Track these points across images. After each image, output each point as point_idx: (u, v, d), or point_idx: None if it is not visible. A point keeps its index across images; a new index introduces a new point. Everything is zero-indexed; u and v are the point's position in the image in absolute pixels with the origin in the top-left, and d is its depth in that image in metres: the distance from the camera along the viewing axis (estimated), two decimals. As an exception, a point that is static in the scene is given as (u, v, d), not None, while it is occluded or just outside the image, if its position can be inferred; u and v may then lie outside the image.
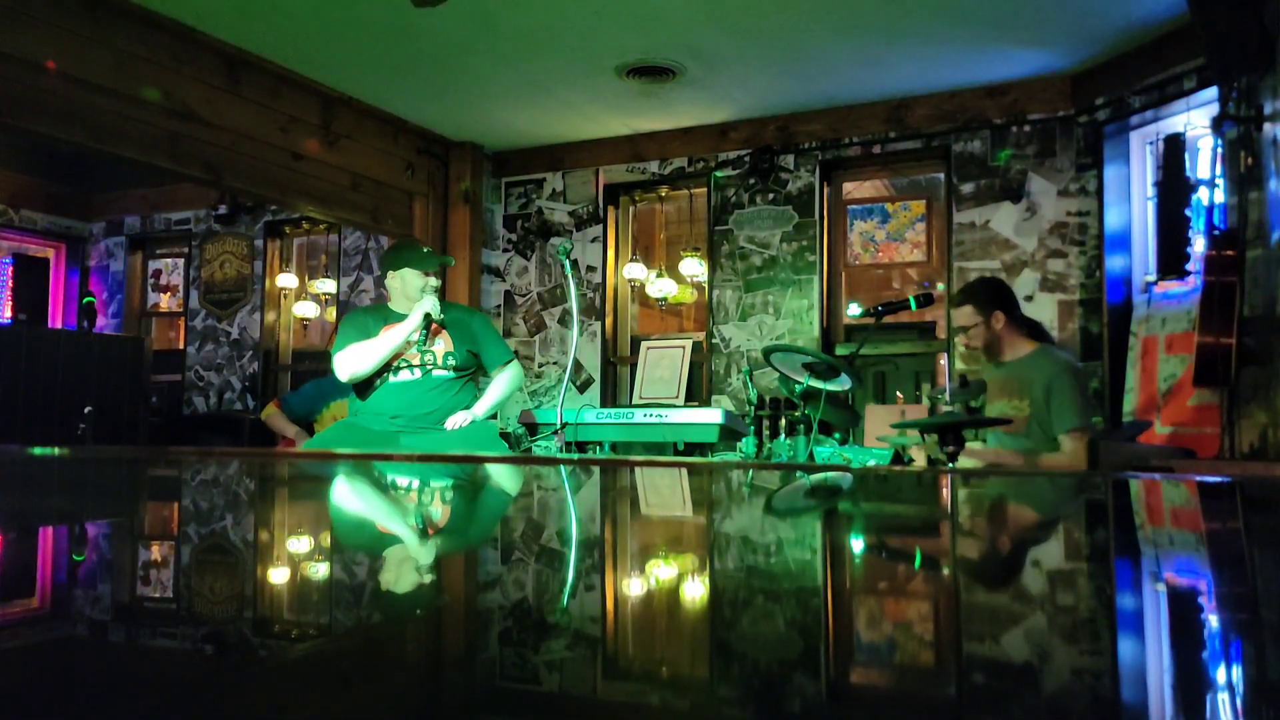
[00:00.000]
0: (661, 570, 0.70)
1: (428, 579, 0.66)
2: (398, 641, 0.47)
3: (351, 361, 3.61)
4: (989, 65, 5.12)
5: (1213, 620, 0.55)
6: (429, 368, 3.64)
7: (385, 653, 0.45)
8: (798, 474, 2.09)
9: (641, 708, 0.37)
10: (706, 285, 6.16)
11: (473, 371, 3.76)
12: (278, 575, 0.68)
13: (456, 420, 3.61)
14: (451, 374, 3.66)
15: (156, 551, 0.79)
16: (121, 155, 4.74)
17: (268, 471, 1.75)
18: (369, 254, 7.18)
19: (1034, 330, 3.57)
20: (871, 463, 3.47)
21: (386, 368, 3.65)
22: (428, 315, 3.59)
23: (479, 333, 3.78)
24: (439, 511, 1.18)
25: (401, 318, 3.67)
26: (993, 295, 3.53)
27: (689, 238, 6.44)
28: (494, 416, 3.89)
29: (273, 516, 1.12)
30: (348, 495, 1.37)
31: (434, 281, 3.71)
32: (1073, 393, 3.31)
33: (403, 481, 1.52)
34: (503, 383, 3.77)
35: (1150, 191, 4.91)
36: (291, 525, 1.03)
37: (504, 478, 1.62)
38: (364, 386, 3.70)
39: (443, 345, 3.68)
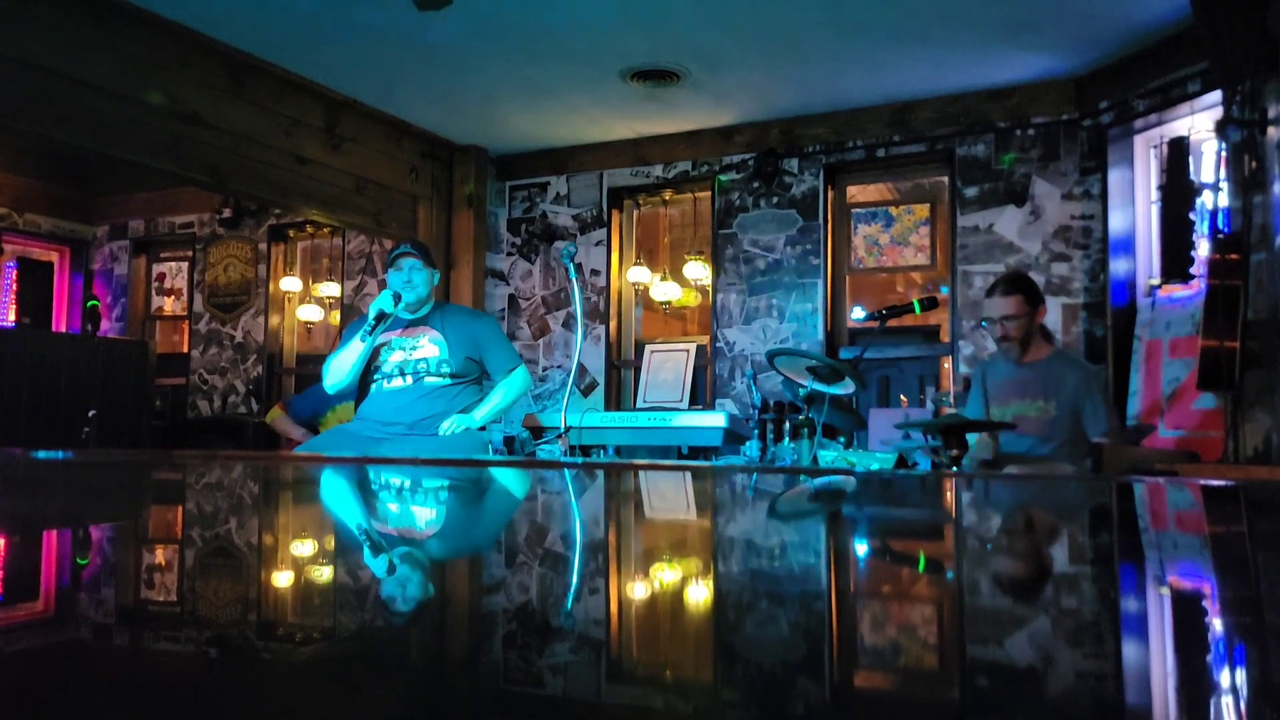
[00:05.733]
0: (666, 574, 0.70)
1: (404, 584, 0.66)
2: (393, 645, 0.47)
3: (329, 373, 3.63)
4: (993, 69, 5.12)
5: (1217, 624, 0.54)
6: (421, 375, 3.54)
7: (385, 657, 0.45)
8: (801, 478, 2.09)
9: (647, 712, 0.37)
10: (710, 289, 6.16)
11: (475, 377, 3.64)
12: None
13: (450, 424, 3.47)
14: (446, 380, 3.54)
15: (159, 555, 0.79)
16: (125, 159, 4.75)
17: (264, 475, 1.75)
18: (373, 257, 7.19)
19: (1045, 332, 3.67)
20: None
21: (379, 374, 3.58)
22: (382, 311, 3.48)
23: (483, 338, 3.65)
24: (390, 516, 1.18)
25: (400, 320, 3.64)
26: (1035, 290, 3.63)
27: (693, 241, 6.44)
28: (495, 422, 3.83)
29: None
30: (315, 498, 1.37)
31: (404, 275, 3.53)
32: (1106, 396, 3.44)
33: (367, 485, 1.52)
34: (506, 389, 3.63)
35: (1154, 195, 4.91)
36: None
37: (469, 482, 1.62)
38: (361, 393, 3.68)
39: (434, 351, 3.56)
